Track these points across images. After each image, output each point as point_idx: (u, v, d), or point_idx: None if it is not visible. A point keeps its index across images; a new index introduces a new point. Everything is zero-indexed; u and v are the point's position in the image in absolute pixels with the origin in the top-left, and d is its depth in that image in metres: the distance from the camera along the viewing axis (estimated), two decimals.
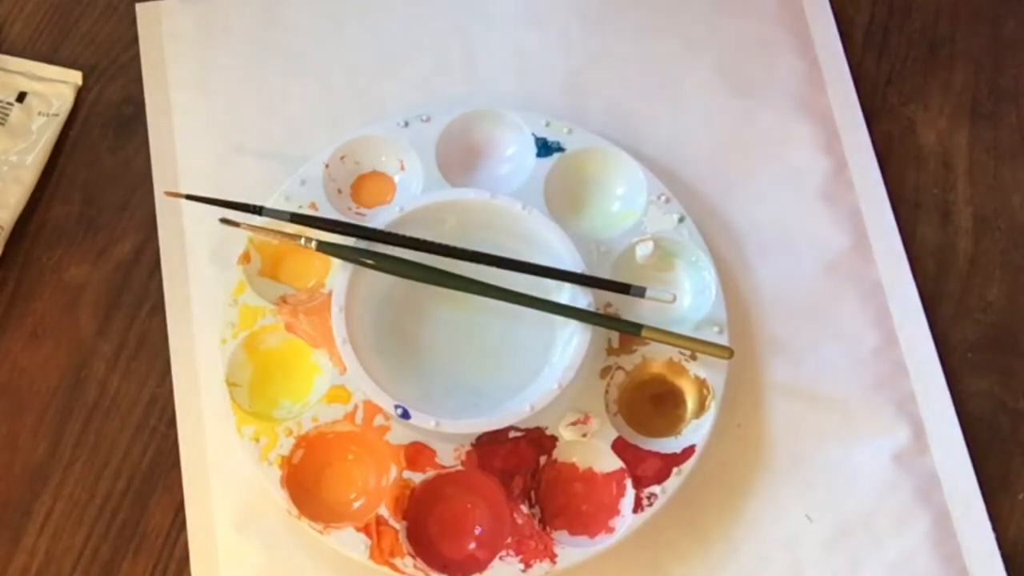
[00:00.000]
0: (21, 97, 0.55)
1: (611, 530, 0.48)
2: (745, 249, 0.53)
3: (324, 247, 0.49)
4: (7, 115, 0.55)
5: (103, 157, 0.55)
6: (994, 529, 0.50)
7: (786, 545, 0.49)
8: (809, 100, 0.56)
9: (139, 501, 0.50)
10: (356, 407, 0.49)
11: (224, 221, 0.49)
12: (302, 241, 0.49)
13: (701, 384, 0.50)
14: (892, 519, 0.50)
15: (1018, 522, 0.50)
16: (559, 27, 0.57)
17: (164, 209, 0.54)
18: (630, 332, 0.49)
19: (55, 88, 0.56)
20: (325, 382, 0.49)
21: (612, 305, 0.51)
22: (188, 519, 0.49)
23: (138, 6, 0.58)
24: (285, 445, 0.48)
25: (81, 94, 0.56)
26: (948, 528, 0.50)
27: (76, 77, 0.56)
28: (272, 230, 0.50)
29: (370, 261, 0.49)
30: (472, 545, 0.48)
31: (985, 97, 0.57)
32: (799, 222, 0.54)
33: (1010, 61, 0.58)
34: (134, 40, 0.57)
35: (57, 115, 0.55)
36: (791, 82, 0.57)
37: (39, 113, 0.55)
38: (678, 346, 0.49)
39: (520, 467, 0.48)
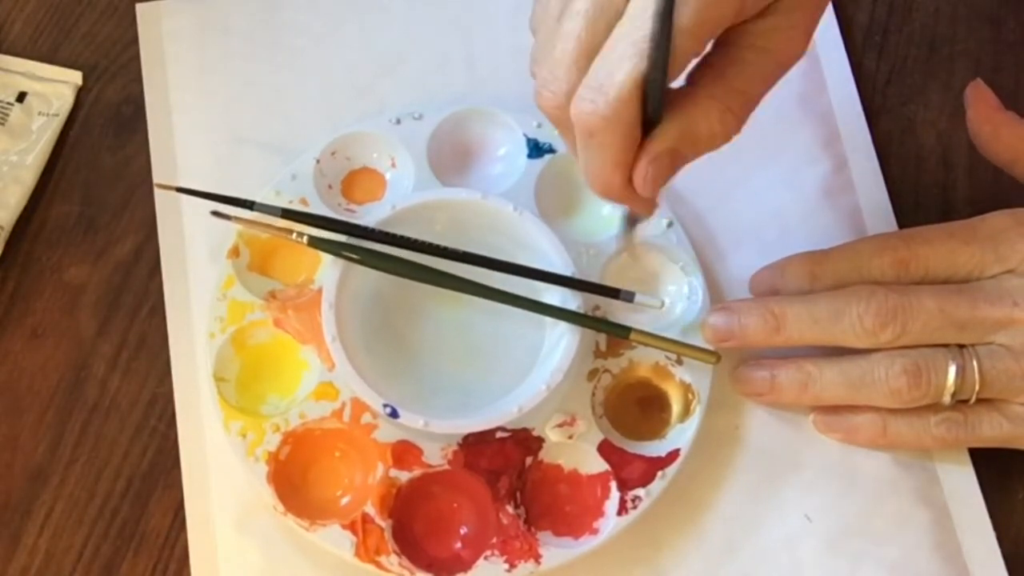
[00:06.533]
0: (21, 97, 0.56)
1: (595, 531, 0.48)
2: (745, 249, 0.53)
3: (316, 242, 0.49)
4: (7, 115, 0.55)
5: (103, 157, 0.55)
6: (994, 529, 0.50)
7: (786, 545, 0.49)
8: (809, 99, 0.56)
9: (139, 501, 0.50)
10: (344, 404, 0.49)
11: (215, 214, 0.49)
12: (294, 235, 0.49)
13: (686, 389, 0.50)
14: (892, 519, 0.49)
15: (1018, 522, 0.50)
16: None
17: (164, 209, 0.54)
18: (618, 335, 0.49)
19: (55, 88, 0.56)
20: (313, 378, 0.49)
21: (600, 308, 0.51)
22: (188, 519, 0.49)
23: (138, 6, 0.58)
24: (272, 441, 0.48)
25: (81, 94, 0.56)
26: (948, 528, 0.49)
27: (76, 77, 0.56)
28: (264, 223, 0.50)
29: (359, 257, 0.49)
30: (457, 544, 0.48)
31: None
32: (799, 222, 0.54)
33: (1010, 61, 0.57)
34: (134, 40, 0.57)
35: (57, 115, 0.55)
36: (791, 81, 0.56)
37: (39, 113, 0.55)
38: (665, 350, 0.49)
39: (506, 467, 0.48)
